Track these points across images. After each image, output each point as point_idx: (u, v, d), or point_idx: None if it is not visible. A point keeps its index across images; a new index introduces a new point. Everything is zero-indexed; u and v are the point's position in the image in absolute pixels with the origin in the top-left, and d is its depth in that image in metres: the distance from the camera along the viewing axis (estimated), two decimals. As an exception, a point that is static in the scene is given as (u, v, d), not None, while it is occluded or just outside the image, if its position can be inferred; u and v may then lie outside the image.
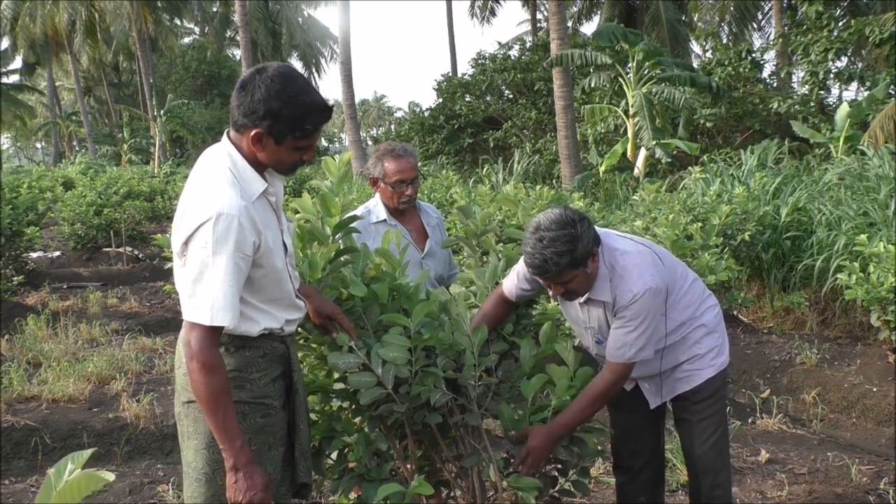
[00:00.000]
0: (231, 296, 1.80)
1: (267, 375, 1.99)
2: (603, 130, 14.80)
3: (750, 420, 4.55)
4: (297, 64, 41.08)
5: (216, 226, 1.78)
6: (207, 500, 1.96)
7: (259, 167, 1.93)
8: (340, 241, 2.37)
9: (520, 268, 2.48)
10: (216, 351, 1.82)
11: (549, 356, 2.44)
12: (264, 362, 1.98)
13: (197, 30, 40.36)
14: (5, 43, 34.37)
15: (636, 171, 12.41)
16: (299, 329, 2.32)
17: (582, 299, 2.37)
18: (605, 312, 2.34)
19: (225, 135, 1.95)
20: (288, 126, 1.86)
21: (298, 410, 2.08)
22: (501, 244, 2.80)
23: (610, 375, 2.30)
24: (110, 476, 1.31)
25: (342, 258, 2.32)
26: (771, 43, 17.64)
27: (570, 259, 2.16)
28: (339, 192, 2.38)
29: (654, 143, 11.94)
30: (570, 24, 20.80)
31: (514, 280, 2.48)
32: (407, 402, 2.19)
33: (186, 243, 1.82)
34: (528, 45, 22.45)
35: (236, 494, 1.82)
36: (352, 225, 2.38)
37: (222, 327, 1.82)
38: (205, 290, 1.79)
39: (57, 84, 41.18)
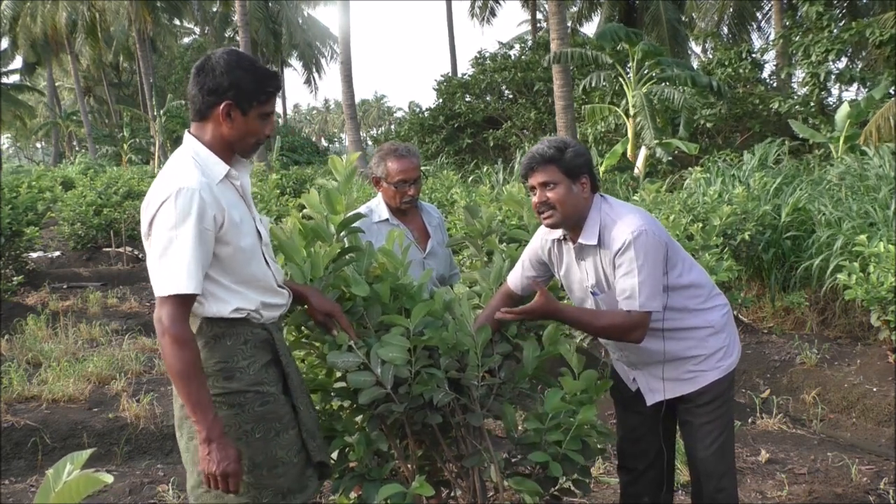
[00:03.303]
0: (196, 266, 1.84)
1: (256, 362, 1.99)
2: (603, 130, 14.81)
3: (750, 420, 4.55)
4: (297, 64, 41.10)
5: (177, 200, 1.84)
6: (214, 499, 1.96)
7: (224, 153, 1.99)
8: (345, 240, 2.38)
9: (525, 256, 2.51)
10: (187, 325, 1.86)
11: (551, 358, 2.44)
12: (248, 349, 1.99)
13: (197, 30, 40.35)
14: (5, 43, 34.43)
15: (636, 171, 12.41)
16: (302, 328, 2.33)
17: (574, 252, 2.38)
18: (598, 261, 2.34)
19: (185, 132, 2.02)
20: (252, 91, 1.95)
21: (295, 393, 2.08)
22: (504, 245, 2.79)
23: (624, 317, 2.26)
24: (109, 478, 1.30)
25: (346, 256, 2.32)
26: (771, 43, 17.64)
27: (557, 153, 2.29)
28: (346, 191, 2.38)
29: (655, 142, 11.94)
30: (569, 24, 20.80)
31: (519, 270, 2.50)
32: (406, 403, 2.19)
33: (151, 223, 1.88)
34: (528, 44, 22.45)
35: (210, 465, 1.84)
36: (354, 224, 2.38)
37: (192, 301, 1.87)
38: (170, 262, 1.83)
39: (57, 84, 41.19)
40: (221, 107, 1.93)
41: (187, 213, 1.83)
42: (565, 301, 4.01)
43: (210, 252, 1.89)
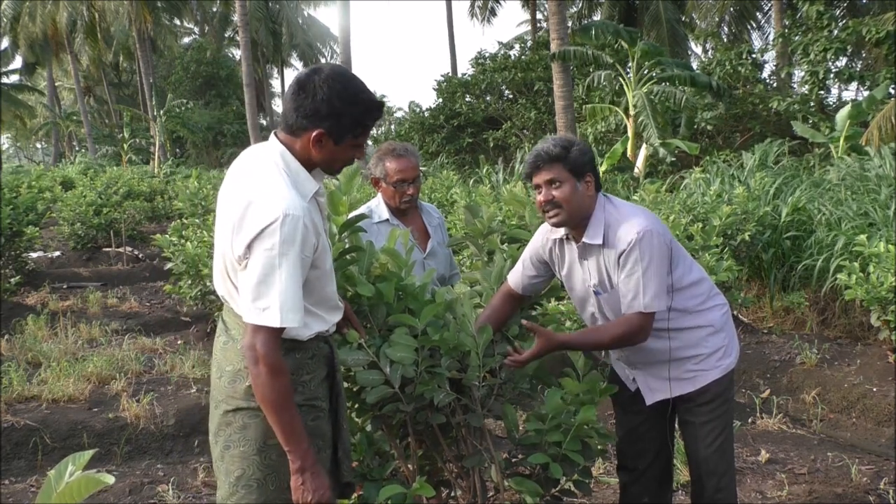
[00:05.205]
0: (299, 297, 1.79)
1: (316, 377, 1.99)
2: (603, 130, 14.80)
3: (750, 420, 4.55)
4: (297, 64, 41.11)
5: (283, 227, 1.76)
6: None
7: (309, 168, 1.93)
8: (346, 241, 2.38)
9: (526, 255, 2.51)
10: (280, 354, 1.81)
11: (552, 358, 2.43)
12: (313, 364, 1.98)
13: (197, 30, 40.35)
14: (5, 43, 34.42)
15: (636, 171, 12.41)
16: None
17: (577, 251, 2.37)
18: (602, 261, 2.34)
19: (272, 136, 1.93)
20: (349, 125, 1.87)
21: (341, 410, 2.08)
22: (505, 244, 2.79)
23: (627, 324, 2.26)
24: (110, 479, 1.30)
25: (347, 256, 2.32)
26: (771, 43, 17.64)
27: (563, 152, 2.30)
28: (348, 192, 2.38)
29: (659, 142, 11.95)
30: (569, 24, 20.80)
31: (520, 269, 2.50)
32: (413, 403, 2.19)
33: (250, 246, 1.79)
34: (528, 44, 22.45)
35: (305, 495, 1.82)
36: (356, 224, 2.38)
37: (283, 329, 1.81)
38: (273, 293, 1.77)
39: (57, 84, 41.15)
40: (314, 134, 1.85)
41: (292, 241, 1.77)
42: (565, 301, 3.99)
43: (304, 278, 1.84)
